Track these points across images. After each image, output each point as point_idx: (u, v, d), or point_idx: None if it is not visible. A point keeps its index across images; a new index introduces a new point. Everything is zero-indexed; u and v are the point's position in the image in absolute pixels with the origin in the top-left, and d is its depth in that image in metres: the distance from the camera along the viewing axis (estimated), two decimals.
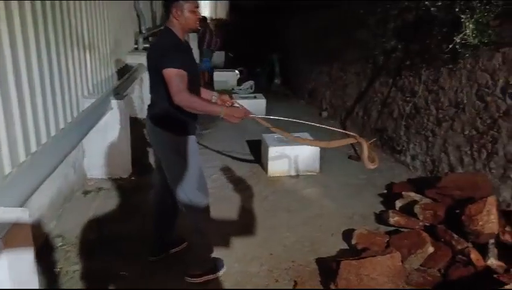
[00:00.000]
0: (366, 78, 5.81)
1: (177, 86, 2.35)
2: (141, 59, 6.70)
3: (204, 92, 2.86)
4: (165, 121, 2.59)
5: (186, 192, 2.63)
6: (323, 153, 4.75)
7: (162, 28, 2.78)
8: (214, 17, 18.91)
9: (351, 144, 5.25)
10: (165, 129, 2.60)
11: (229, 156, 5.18)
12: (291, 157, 4.58)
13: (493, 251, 2.77)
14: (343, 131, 2.61)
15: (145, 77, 6.90)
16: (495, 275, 2.50)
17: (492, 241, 2.84)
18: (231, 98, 2.86)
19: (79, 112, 3.98)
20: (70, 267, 2.95)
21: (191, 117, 2.58)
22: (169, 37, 2.53)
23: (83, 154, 4.37)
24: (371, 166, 2.48)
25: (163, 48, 2.48)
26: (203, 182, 2.76)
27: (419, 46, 4.42)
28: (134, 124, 5.40)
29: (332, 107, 7.03)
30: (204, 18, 9.78)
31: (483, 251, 2.82)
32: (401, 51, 4.81)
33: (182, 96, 2.36)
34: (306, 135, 4.92)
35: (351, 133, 2.57)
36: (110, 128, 4.39)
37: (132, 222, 3.59)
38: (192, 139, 2.65)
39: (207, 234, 2.80)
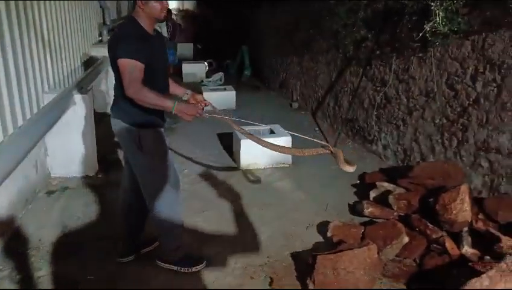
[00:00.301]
0: (336, 68, 5.78)
1: (129, 78, 2.24)
2: (106, 51, 6.49)
3: (177, 88, 2.75)
4: (124, 113, 2.47)
5: (156, 199, 2.58)
6: (295, 145, 4.68)
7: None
8: (181, 8, 18.57)
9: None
10: (125, 122, 2.47)
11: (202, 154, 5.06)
12: (263, 150, 4.48)
13: (467, 239, 2.77)
14: (318, 141, 2.49)
15: (111, 70, 6.71)
16: (470, 263, 2.49)
17: (466, 229, 2.84)
18: (203, 98, 2.73)
19: (39, 107, 3.79)
20: (35, 272, 2.79)
21: (150, 109, 2.40)
22: (130, 27, 2.40)
23: (45, 152, 4.17)
24: (350, 169, 2.40)
25: (120, 37, 2.37)
26: (175, 178, 2.65)
27: (389, 35, 4.41)
28: (101, 119, 5.20)
29: (303, 97, 6.99)
30: (168, 10, 9.56)
31: (457, 239, 2.82)
32: (371, 41, 4.79)
33: (133, 89, 2.24)
34: (277, 127, 4.87)
35: (325, 144, 2.47)
36: (74, 124, 4.21)
37: (100, 222, 3.45)
38: (156, 133, 2.53)
39: (178, 224, 2.74)
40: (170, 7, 15.51)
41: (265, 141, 2.66)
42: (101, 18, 7.13)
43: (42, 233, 3.24)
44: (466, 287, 2.18)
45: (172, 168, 2.65)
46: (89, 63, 5.88)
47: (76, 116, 4.20)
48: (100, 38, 6.86)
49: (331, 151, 2.41)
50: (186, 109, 2.32)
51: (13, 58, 3.24)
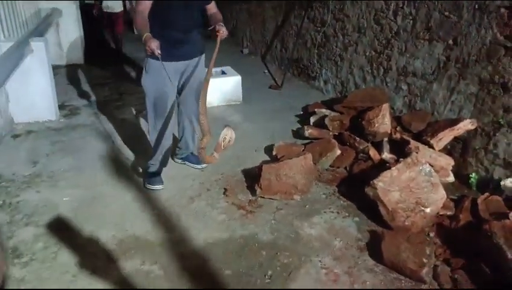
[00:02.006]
0: (282, 12, 6.12)
1: (137, 8, 2.78)
2: (54, 3, 6.51)
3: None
4: None
5: (147, 104, 3.12)
6: (245, 84, 5.09)
7: None
8: None
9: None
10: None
11: None
12: (216, 89, 4.86)
13: (386, 146, 3.34)
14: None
15: (62, 21, 6.73)
16: (387, 165, 3.04)
17: (386, 139, 3.40)
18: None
19: None
20: (12, 199, 3.11)
21: (161, 41, 2.73)
22: None
23: (7, 99, 4.36)
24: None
25: None
26: (164, 106, 3.06)
27: None
28: (54, 70, 5.35)
29: (253, 43, 7.33)
30: None
31: (379, 148, 3.38)
32: None
33: (134, 16, 2.79)
34: (228, 68, 5.23)
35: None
36: (32, 71, 4.39)
37: (67, 155, 3.77)
38: (159, 64, 2.85)
39: (161, 144, 3.19)
40: None
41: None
42: None
43: (14, 169, 3.54)
44: (379, 178, 2.72)
45: (163, 98, 3.03)
46: (38, 14, 5.92)
47: (35, 64, 4.38)
48: None
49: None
50: (148, 42, 2.64)
51: None
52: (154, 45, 2.65)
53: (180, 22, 2.92)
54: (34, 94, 4.44)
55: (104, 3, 6.81)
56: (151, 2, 2.78)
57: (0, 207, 2.99)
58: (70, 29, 6.92)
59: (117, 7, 6.94)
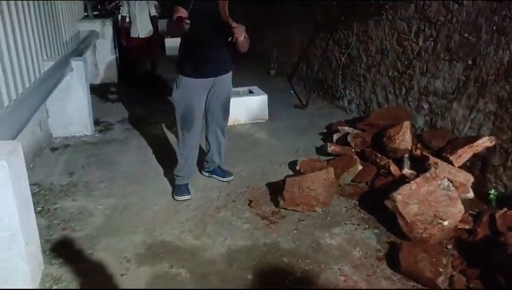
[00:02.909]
0: (308, 35, 6.31)
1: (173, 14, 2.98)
2: (93, 26, 6.91)
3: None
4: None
5: (176, 117, 3.32)
6: (271, 103, 5.27)
7: None
8: None
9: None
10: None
11: None
12: (243, 107, 5.06)
13: (407, 162, 3.42)
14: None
15: (98, 43, 7.12)
16: (407, 179, 3.13)
17: (406, 155, 3.49)
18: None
19: (40, 73, 4.25)
20: (50, 206, 3.34)
21: (190, 59, 3.05)
22: None
23: (47, 115, 4.66)
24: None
25: None
26: (191, 120, 3.25)
27: (350, 2, 4.96)
28: (91, 88, 5.64)
29: (279, 64, 7.54)
30: None
31: (400, 164, 3.47)
32: (336, 8, 5.33)
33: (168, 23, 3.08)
34: (255, 88, 5.43)
35: None
36: (71, 88, 4.69)
37: (101, 167, 4.00)
38: (188, 80, 3.14)
39: (184, 154, 3.38)
40: None
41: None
42: None
43: (52, 179, 3.79)
44: (399, 191, 2.81)
45: (190, 111, 3.23)
46: (77, 36, 6.29)
47: (74, 82, 4.68)
48: (86, 13, 7.23)
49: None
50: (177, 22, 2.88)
51: (18, 26, 3.65)
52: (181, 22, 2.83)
53: (209, 39, 3.10)
54: (72, 110, 4.73)
55: (134, 29, 6.75)
56: (186, 12, 2.94)
57: (39, 213, 3.20)
58: (106, 50, 7.29)
59: (148, 31, 6.88)
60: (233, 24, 2.90)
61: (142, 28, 6.74)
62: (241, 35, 2.95)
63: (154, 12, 6.77)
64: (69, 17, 5.88)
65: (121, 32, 6.99)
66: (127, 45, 6.97)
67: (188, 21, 2.79)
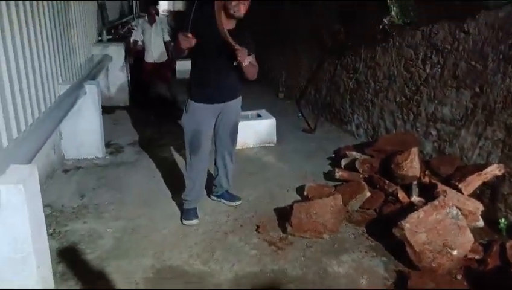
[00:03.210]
0: (316, 59, 6.40)
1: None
2: (106, 50, 7.07)
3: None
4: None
5: (184, 141, 3.36)
6: (279, 127, 5.32)
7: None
8: (172, 10, 19.05)
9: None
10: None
11: None
12: (251, 131, 5.11)
13: (415, 189, 3.43)
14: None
15: (111, 66, 7.26)
16: (416, 207, 3.13)
17: (415, 182, 3.49)
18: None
19: (56, 97, 4.35)
20: (61, 228, 3.39)
21: (199, 85, 3.13)
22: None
23: (60, 137, 4.74)
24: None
25: None
26: (198, 144, 3.29)
27: (358, 28, 5.04)
28: (103, 111, 5.74)
29: (288, 88, 7.62)
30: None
31: (408, 191, 3.47)
32: (343, 33, 5.42)
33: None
34: (263, 111, 5.49)
35: None
36: (84, 111, 4.76)
37: (112, 189, 4.05)
38: (196, 105, 3.21)
39: (192, 178, 3.41)
40: (160, 8, 15.85)
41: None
42: (100, 19, 7.67)
43: (64, 201, 3.84)
44: (407, 219, 2.82)
45: (198, 136, 3.27)
46: (91, 60, 6.44)
47: (87, 105, 4.76)
48: (100, 38, 7.40)
49: None
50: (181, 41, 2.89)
51: (37, 51, 3.76)
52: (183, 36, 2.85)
53: (216, 65, 3.14)
54: (84, 133, 4.80)
55: (149, 54, 6.91)
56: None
57: (50, 235, 3.24)
58: (118, 73, 7.41)
59: (162, 56, 7.04)
60: (236, 46, 2.92)
61: (156, 53, 6.92)
62: (244, 58, 2.96)
63: (167, 38, 6.93)
64: (83, 41, 6.03)
65: (132, 55, 7.22)
66: (141, 69, 7.16)
67: (189, 35, 2.83)
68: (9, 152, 2.72)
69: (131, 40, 7.14)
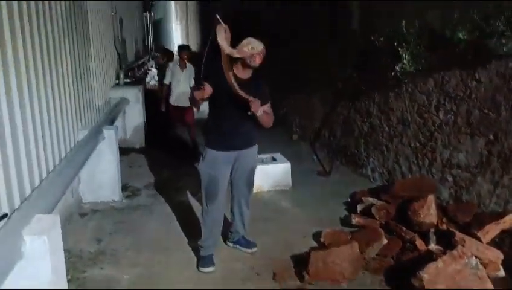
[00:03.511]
0: (329, 102, 6.50)
1: None
2: (123, 93, 7.25)
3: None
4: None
5: (201, 187, 3.43)
6: (294, 169, 5.35)
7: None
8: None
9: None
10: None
11: None
12: (266, 175, 5.15)
13: (433, 237, 3.40)
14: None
15: (128, 109, 7.44)
16: (434, 256, 3.10)
17: (432, 230, 3.47)
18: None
19: (75, 142, 4.46)
20: (79, 274, 3.41)
21: (215, 133, 3.24)
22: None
23: (78, 180, 4.83)
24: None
25: None
26: (214, 191, 3.34)
27: (371, 73, 5.15)
28: (120, 152, 5.85)
29: (302, 129, 7.70)
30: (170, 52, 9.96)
31: (426, 238, 3.45)
32: (356, 78, 5.53)
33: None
34: (278, 155, 5.55)
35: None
36: (102, 155, 4.86)
37: (128, 235, 4.09)
38: (213, 153, 3.28)
39: (208, 225, 3.45)
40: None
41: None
42: (117, 63, 7.92)
43: (81, 246, 3.88)
44: (425, 269, 2.79)
45: (215, 184, 3.32)
46: (109, 103, 6.60)
47: (105, 149, 4.86)
48: (117, 81, 7.62)
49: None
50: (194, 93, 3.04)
51: (53, 100, 3.78)
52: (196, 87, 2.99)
53: (231, 113, 3.22)
54: (102, 176, 4.89)
55: (175, 97, 6.97)
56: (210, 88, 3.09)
57: (69, 281, 3.25)
58: (135, 116, 7.56)
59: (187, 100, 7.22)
60: (249, 98, 3.00)
61: (183, 97, 7.00)
62: (257, 109, 3.03)
63: (193, 83, 7.07)
64: (102, 85, 6.21)
65: (162, 99, 7.25)
66: (167, 112, 7.23)
67: (203, 86, 2.94)
68: (32, 201, 2.80)
69: (165, 82, 7.14)
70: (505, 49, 3.16)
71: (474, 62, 3.55)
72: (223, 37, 2.87)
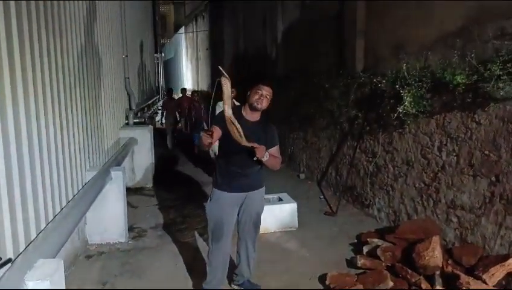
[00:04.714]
0: (335, 142, 6.56)
1: None
2: (132, 133, 7.38)
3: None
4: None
5: (208, 229, 3.45)
6: (301, 209, 5.35)
7: None
8: (196, 89, 19.95)
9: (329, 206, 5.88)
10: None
11: None
12: (273, 216, 5.15)
13: (438, 280, 3.36)
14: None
15: (136, 148, 7.55)
16: None
17: (438, 272, 3.43)
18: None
19: (83, 183, 4.52)
20: None
21: (223, 175, 3.30)
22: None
23: (84, 222, 4.86)
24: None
25: None
26: (220, 233, 3.36)
27: (375, 114, 5.22)
28: (127, 192, 5.91)
29: (309, 169, 7.73)
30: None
31: (432, 281, 3.40)
32: (361, 119, 5.60)
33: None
34: (285, 195, 5.56)
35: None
36: (109, 196, 4.88)
37: (133, 277, 4.08)
38: (220, 194, 3.33)
39: (213, 266, 3.45)
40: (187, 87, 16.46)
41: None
42: (127, 103, 8.10)
43: (86, 288, 3.88)
44: None
45: (221, 225, 3.35)
46: (118, 144, 6.71)
47: (112, 190, 4.91)
48: (127, 121, 7.76)
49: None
50: (202, 137, 3.02)
51: (61, 141, 3.79)
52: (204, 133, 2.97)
53: (238, 156, 3.27)
54: (108, 218, 4.90)
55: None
56: (219, 132, 3.17)
57: None
58: (143, 156, 7.65)
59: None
60: (254, 145, 3.05)
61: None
62: (262, 155, 3.10)
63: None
64: (111, 125, 6.31)
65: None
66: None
67: (210, 132, 2.97)
68: (37, 245, 2.83)
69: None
70: (502, 93, 3.22)
71: (474, 105, 3.61)
72: (228, 95, 2.94)
